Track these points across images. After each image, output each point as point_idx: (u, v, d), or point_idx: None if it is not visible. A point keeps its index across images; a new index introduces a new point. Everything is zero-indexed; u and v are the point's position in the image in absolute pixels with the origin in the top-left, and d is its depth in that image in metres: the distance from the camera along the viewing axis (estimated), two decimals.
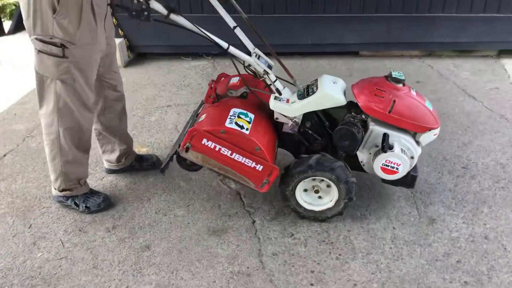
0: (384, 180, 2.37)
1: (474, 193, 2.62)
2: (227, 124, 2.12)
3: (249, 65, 2.25)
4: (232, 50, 2.10)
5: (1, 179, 2.92)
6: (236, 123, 2.14)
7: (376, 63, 4.42)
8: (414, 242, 2.27)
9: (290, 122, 2.31)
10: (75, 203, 2.52)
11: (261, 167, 2.15)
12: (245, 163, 2.14)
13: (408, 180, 2.33)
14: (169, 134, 3.39)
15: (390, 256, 2.20)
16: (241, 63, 2.29)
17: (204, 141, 2.11)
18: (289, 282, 2.09)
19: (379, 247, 2.26)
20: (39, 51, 2.04)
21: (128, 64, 4.68)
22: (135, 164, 2.86)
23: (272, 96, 2.28)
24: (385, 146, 2.15)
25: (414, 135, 2.25)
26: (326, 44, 4.47)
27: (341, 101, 2.20)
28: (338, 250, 2.26)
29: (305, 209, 2.37)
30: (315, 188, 2.35)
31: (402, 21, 4.27)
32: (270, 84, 2.24)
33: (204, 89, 4.05)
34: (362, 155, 2.31)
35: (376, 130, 2.21)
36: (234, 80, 2.52)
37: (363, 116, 2.25)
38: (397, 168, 2.22)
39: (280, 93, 2.26)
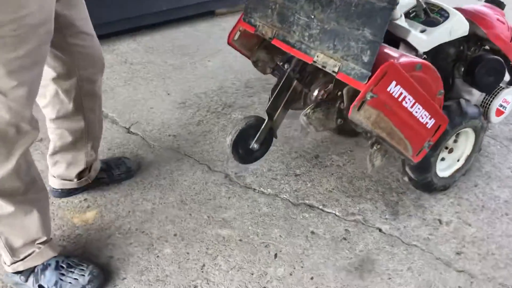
0: None
1: None
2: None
3: None
4: None
5: None
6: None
7: (235, 20, 3.84)
8: None
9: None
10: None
11: (433, 121, 1.52)
12: (420, 118, 1.48)
13: None
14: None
15: None
16: None
17: (391, 86, 1.34)
18: None
19: None
20: None
21: None
22: (102, 176, 1.94)
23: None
24: None
25: None
26: (184, 7, 3.58)
27: (468, 29, 1.69)
28: (498, 211, 1.81)
29: (439, 178, 1.80)
30: (449, 147, 1.79)
31: None
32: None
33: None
34: (470, 97, 1.88)
35: None
36: None
37: (487, 47, 1.82)
38: (505, 108, 1.92)
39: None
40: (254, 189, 1.93)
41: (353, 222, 1.77)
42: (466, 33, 1.73)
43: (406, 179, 1.81)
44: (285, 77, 1.62)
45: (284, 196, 1.89)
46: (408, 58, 1.39)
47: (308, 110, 1.54)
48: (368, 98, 1.28)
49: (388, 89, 1.32)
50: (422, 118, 1.47)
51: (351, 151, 2.15)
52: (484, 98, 1.92)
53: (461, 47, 1.84)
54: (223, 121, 2.40)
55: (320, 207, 1.84)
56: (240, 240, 1.69)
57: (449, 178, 1.86)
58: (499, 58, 1.76)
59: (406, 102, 1.39)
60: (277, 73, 1.83)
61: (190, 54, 3.20)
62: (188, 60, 3.11)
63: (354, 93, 1.43)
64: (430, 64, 1.42)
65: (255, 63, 1.84)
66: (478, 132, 1.80)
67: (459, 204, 1.84)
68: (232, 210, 1.82)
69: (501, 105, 1.92)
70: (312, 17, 1.41)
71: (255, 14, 1.64)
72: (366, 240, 1.69)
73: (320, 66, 1.39)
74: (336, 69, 1.34)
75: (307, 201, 1.86)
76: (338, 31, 1.34)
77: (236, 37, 1.77)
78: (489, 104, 1.90)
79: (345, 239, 1.69)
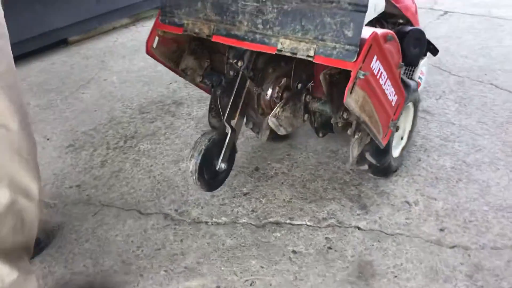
0: None
1: None
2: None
3: None
4: None
5: None
6: None
7: (97, 46, 3.40)
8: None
9: None
10: None
11: (396, 98, 1.44)
12: (389, 95, 1.39)
13: None
14: None
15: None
16: None
17: (373, 61, 1.21)
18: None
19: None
20: None
21: None
22: None
23: None
24: (434, 48, 1.85)
25: None
26: (30, 38, 3.02)
27: (384, 5, 1.68)
28: (451, 179, 1.83)
29: (394, 159, 1.75)
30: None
31: None
32: None
33: None
34: None
35: None
36: None
37: (401, 21, 1.82)
38: (422, 79, 1.98)
39: None
40: (206, 222, 1.63)
41: (329, 227, 1.60)
42: (383, 9, 1.72)
43: (365, 167, 1.71)
44: (239, 77, 1.38)
45: (244, 220, 1.64)
46: (378, 29, 1.28)
47: (278, 110, 1.33)
48: (361, 77, 1.12)
49: (371, 66, 1.18)
50: (390, 95, 1.38)
51: (289, 154, 1.99)
52: (404, 72, 1.93)
53: (377, 26, 1.82)
54: (133, 155, 2.03)
55: (288, 221, 1.63)
56: (218, 287, 1.39)
57: (399, 157, 1.82)
58: (420, 28, 1.78)
59: (382, 79, 1.28)
60: (207, 81, 1.57)
61: (56, 90, 2.71)
62: (55, 97, 2.62)
63: (331, 78, 1.26)
64: (394, 34, 1.34)
65: (184, 72, 1.55)
66: (416, 106, 1.80)
67: (414, 181, 1.81)
68: (191, 254, 1.50)
69: (419, 77, 1.96)
70: (263, 0, 1.21)
71: (179, 11, 1.37)
72: (352, 243, 1.53)
73: (288, 54, 1.19)
74: (311, 53, 1.15)
75: (271, 219, 1.64)
76: (304, 9, 1.16)
77: (155, 44, 1.46)
78: (411, 77, 1.92)
79: (330, 248, 1.51)
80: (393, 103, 1.42)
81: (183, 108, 2.42)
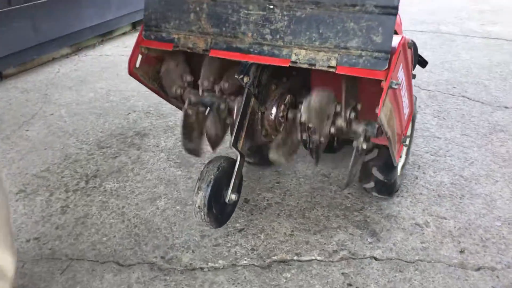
0: None
1: None
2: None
3: None
4: None
5: None
6: None
7: (36, 78, 3.08)
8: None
9: None
10: None
11: (408, 111, 1.35)
12: (404, 108, 1.28)
13: None
14: None
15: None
16: None
17: (399, 70, 1.10)
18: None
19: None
20: None
21: None
22: None
23: None
24: (423, 61, 1.80)
25: None
26: None
27: None
28: (454, 196, 1.74)
29: (398, 176, 1.65)
30: None
31: (45, 8, 3.13)
32: None
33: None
34: None
35: None
36: None
37: None
38: None
39: None
40: (202, 268, 1.41)
41: (342, 261, 1.43)
42: None
43: (371, 184, 1.58)
44: (245, 95, 1.20)
45: (245, 261, 1.43)
46: (400, 34, 1.17)
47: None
48: (394, 87, 1.00)
49: (398, 75, 1.06)
50: (405, 108, 1.28)
51: (278, 182, 1.82)
52: None
53: None
54: (98, 196, 1.77)
55: (295, 258, 1.45)
56: None
57: (401, 176, 1.72)
58: (413, 40, 1.72)
59: (402, 90, 1.16)
60: (201, 106, 1.36)
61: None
62: None
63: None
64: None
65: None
66: (414, 121, 1.72)
67: (418, 201, 1.70)
68: None
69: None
70: (271, 7, 1.05)
71: (168, 25, 1.18)
72: (372, 276, 1.37)
73: (305, 66, 1.04)
74: (333, 63, 1.01)
75: (275, 258, 1.45)
76: (321, 15, 1.02)
77: (138, 63, 1.26)
78: None
79: (350, 285, 1.35)
80: (405, 117, 1.31)
81: (149, 140, 2.19)
